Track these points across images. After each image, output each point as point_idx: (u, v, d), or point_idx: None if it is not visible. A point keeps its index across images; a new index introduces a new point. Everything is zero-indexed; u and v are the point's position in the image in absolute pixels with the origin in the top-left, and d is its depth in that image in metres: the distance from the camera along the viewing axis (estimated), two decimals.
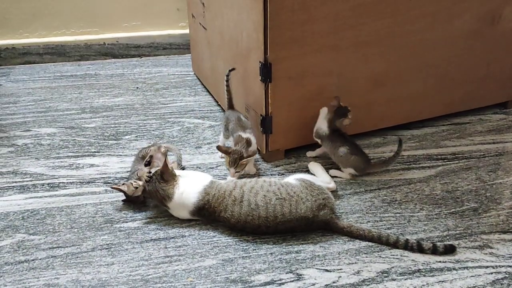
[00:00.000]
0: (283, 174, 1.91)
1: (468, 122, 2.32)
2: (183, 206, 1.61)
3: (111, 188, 1.74)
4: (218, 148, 1.80)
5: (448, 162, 1.98)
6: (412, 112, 2.23)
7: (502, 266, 1.43)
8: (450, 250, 1.48)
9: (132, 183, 1.71)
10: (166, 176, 1.61)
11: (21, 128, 2.37)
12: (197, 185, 1.61)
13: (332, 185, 1.76)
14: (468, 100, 2.34)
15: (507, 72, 2.33)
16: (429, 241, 1.51)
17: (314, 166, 1.87)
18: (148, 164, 1.79)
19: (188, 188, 1.61)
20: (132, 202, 1.74)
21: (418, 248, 1.48)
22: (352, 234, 1.55)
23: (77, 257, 1.50)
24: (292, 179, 1.63)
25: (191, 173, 1.76)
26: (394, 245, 1.50)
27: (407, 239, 1.49)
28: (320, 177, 1.79)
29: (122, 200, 1.75)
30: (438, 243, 1.48)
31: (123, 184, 1.72)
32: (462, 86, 2.26)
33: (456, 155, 2.03)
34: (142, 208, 1.73)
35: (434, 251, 1.47)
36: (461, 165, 1.96)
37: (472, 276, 1.39)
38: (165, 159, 1.64)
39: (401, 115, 2.20)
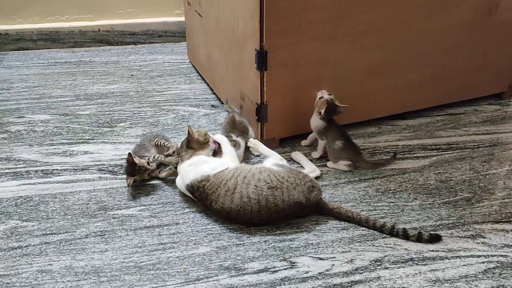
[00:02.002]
0: None
1: (463, 112, 2.32)
2: (183, 177, 1.64)
3: (128, 157, 1.73)
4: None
5: (442, 152, 1.99)
6: (408, 102, 2.23)
7: (494, 255, 1.44)
8: (435, 239, 1.49)
9: (149, 161, 1.76)
10: (191, 144, 1.72)
11: (15, 114, 2.35)
12: (207, 166, 1.62)
13: (316, 172, 1.79)
14: (464, 91, 2.34)
15: (503, 63, 2.34)
16: (416, 230, 1.51)
17: (297, 155, 1.89)
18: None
19: (198, 164, 1.63)
20: (131, 176, 1.73)
21: (404, 234, 1.49)
22: (341, 216, 1.57)
23: (71, 244, 1.50)
24: (271, 165, 1.64)
25: (225, 149, 1.74)
26: (380, 229, 1.51)
27: (394, 225, 1.50)
28: (306, 166, 1.82)
29: (125, 173, 1.76)
30: (424, 232, 1.49)
31: (135, 156, 1.75)
32: (458, 77, 2.26)
33: (451, 146, 2.04)
34: (136, 195, 1.73)
35: (419, 239, 1.48)
36: (455, 155, 1.96)
37: (464, 265, 1.40)
38: (189, 130, 1.71)
39: (397, 105, 2.20)
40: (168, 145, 1.87)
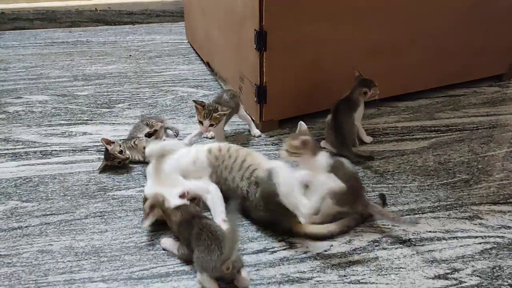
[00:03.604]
0: (276, 144, 1.91)
1: (462, 94, 2.32)
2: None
3: (101, 139, 1.75)
4: (194, 101, 1.76)
5: (441, 134, 1.99)
6: (407, 83, 2.22)
7: (491, 236, 1.45)
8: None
9: (120, 146, 1.75)
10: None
11: (12, 95, 2.34)
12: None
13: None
14: (464, 72, 2.33)
15: (503, 44, 2.32)
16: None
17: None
18: (149, 136, 1.78)
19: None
20: (105, 161, 1.75)
21: None
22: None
23: (71, 224, 1.50)
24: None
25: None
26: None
27: None
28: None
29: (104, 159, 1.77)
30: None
31: (113, 142, 1.75)
32: (458, 58, 2.25)
33: (450, 127, 2.04)
34: (135, 176, 1.73)
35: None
36: (454, 137, 1.97)
37: (461, 245, 1.41)
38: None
39: (396, 86, 2.19)
40: (153, 124, 1.87)
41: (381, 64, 2.07)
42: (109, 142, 1.74)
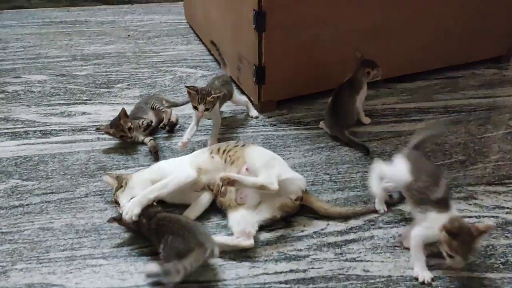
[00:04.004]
0: (275, 125, 1.92)
1: (461, 76, 2.32)
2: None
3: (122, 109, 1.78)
4: (187, 86, 1.71)
5: (439, 116, 2.00)
6: (406, 65, 2.22)
7: (485, 216, 1.47)
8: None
9: (132, 124, 1.77)
10: None
11: (11, 74, 2.34)
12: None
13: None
14: (462, 54, 2.33)
15: (502, 27, 2.31)
16: None
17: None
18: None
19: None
20: (109, 127, 1.78)
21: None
22: None
23: (71, 203, 1.52)
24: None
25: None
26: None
27: None
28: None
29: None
30: None
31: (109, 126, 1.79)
32: (457, 39, 2.24)
33: (447, 109, 2.05)
34: (134, 156, 1.74)
35: None
36: (451, 119, 1.98)
37: None
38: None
39: (395, 68, 2.19)
40: (162, 110, 1.88)
41: (380, 45, 2.06)
42: (126, 115, 1.76)
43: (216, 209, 1.46)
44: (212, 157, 1.49)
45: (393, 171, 1.37)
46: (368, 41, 2.02)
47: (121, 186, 1.43)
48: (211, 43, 1.92)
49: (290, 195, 1.42)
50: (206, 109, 1.69)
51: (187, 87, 1.70)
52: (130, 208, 1.32)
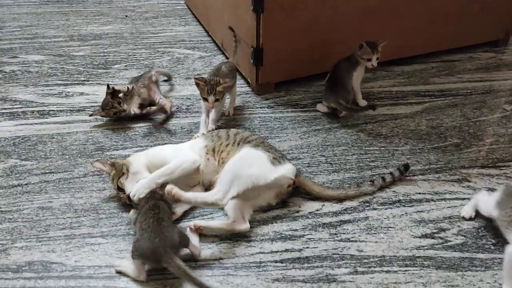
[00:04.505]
0: (272, 107, 1.93)
1: (458, 59, 2.33)
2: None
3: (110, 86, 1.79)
4: (195, 78, 1.68)
5: (435, 99, 2.01)
6: (403, 47, 2.22)
7: None
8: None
9: (120, 100, 1.79)
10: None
11: (8, 54, 2.33)
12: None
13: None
14: (460, 37, 2.33)
15: (500, 10, 2.31)
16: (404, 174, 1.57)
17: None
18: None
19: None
20: (101, 110, 1.80)
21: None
22: None
23: (69, 183, 1.54)
24: None
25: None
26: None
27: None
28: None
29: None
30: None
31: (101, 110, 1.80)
32: (455, 22, 2.24)
33: (444, 92, 2.06)
34: (132, 137, 1.75)
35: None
36: (447, 102, 1.99)
37: (448, 207, 1.46)
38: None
39: (392, 50, 2.19)
40: (161, 102, 1.85)
41: (378, 27, 2.06)
42: (110, 88, 1.77)
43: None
44: (208, 159, 1.48)
45: (484, 205, 1.38)
46: (365, 23, 2.03)
47: (123, 174, 1.41)
48: (228, 28, 1.89)
49: (282, 186, 1.43)
50: (216, 100, 1.66)
51: (195, 78, 1.66)
52: (139, 190, 1.34)
